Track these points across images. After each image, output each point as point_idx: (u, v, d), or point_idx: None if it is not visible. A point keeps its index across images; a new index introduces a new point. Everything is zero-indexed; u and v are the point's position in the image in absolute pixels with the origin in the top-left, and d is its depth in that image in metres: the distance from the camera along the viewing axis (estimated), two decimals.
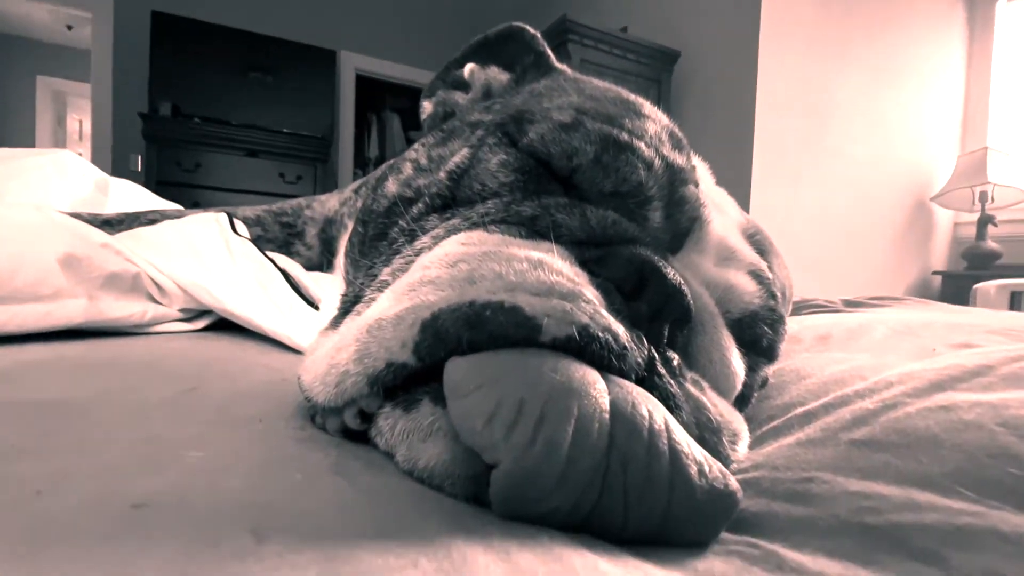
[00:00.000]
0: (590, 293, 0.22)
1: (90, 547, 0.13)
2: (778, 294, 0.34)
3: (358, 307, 0.26)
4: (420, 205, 0.33)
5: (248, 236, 0.61)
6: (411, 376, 0.21)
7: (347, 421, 0.23)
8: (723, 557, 0.19)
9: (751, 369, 0.31)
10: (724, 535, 0.21)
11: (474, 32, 0.48)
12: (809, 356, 0.45)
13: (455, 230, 0.28)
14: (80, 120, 5.45)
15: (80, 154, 1.08)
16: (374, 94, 4.77)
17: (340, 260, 0.68)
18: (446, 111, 0.48)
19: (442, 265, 0.23)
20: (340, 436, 0.23)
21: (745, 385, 0.30)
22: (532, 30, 0.46)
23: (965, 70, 2.90)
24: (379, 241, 0.35)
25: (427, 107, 0.49)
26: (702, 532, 0.19)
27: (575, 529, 0.18)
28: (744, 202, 2.14)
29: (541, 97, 0.36)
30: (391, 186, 0.38)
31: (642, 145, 0.31)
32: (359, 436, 0.23)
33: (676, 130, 0.36)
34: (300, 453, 0.21)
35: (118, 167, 3.30)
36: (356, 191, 0.75)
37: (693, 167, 0.34)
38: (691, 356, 0.27)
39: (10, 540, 0.13)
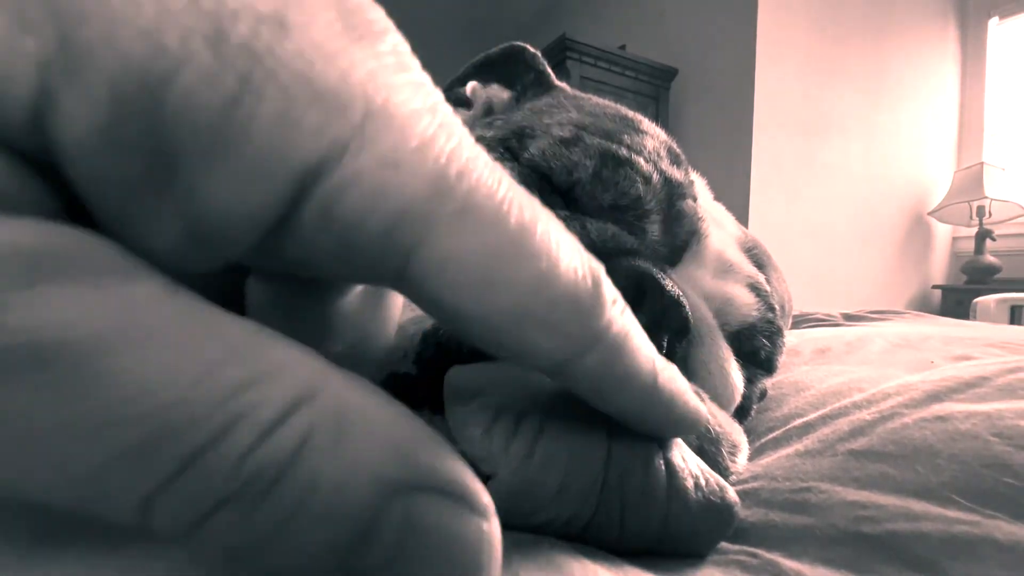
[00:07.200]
0: None
1: None
2: (776, 306, 0.34)
3: None
4: None
5: None
6: (412, 387, 0.21)
7: None
8: (723, 567, 0.20)
9: (749, 381, 0.32)
10: (723, 545, 0.21)
11: (475, 51, 0.49)
12: (808, 369, 0.45)
13: None
14: None
15: None
16: None
17: None
18: None
19: None
20: None
21: (744, 397, 0.31)
22: (532, 49, 0.47)
23: (959, 87, 2.94)
24: None
25: None
26: (698, 545, 0.19)
27: (572, 540, 0.18)
28: (743, 217, 2.15)
29: (542, 114, 0.37)
30: None
31: (640, 160, 0.31)
32: None
33: (674, 145, 0.36)
34: None
35: None
36: None
37: (691, 182, 0.35)
38: (690, 368, 0.28)
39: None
